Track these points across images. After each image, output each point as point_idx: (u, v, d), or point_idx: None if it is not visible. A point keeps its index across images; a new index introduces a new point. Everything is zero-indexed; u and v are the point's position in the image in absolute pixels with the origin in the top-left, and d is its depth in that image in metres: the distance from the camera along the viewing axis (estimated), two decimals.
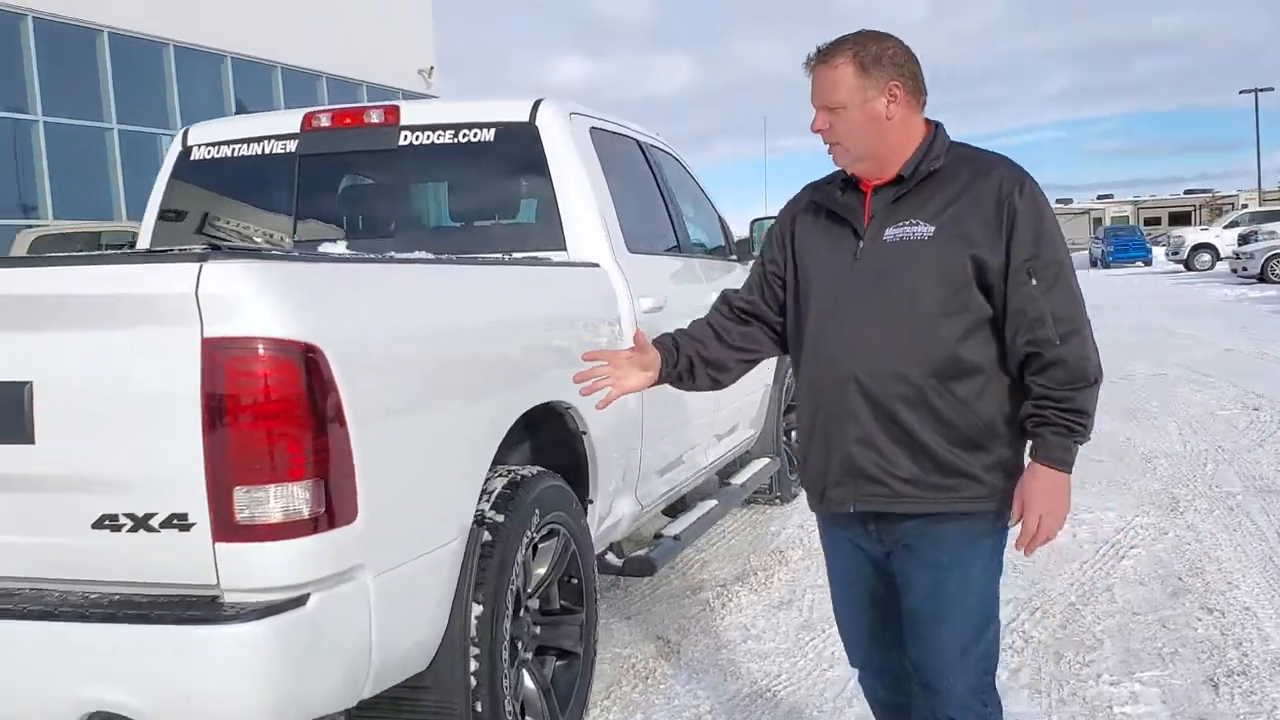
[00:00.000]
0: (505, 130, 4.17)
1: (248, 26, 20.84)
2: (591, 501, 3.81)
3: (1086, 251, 50.28)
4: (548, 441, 3.75)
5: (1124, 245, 45.98)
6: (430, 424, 2.70)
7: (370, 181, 4.38)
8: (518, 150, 4.15)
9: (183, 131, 4.56)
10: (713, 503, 5.06)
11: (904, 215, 2.39)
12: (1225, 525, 5.83)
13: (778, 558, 5.54)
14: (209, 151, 4.48)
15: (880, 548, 2.49)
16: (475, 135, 4.19)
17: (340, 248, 4.17)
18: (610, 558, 4.21)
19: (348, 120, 4.31)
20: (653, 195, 5.01)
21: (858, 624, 2.64)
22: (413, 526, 2.64)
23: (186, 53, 20.08)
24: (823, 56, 2.40)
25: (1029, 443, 2.39)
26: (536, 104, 4.18)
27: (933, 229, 2.36)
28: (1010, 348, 2.35)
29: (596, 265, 4.02)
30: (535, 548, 3.36)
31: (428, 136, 4.22)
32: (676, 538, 4.51)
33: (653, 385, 2.68)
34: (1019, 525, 2.38)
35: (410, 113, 4.28)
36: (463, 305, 2.97)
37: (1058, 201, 77.91)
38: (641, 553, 4.25)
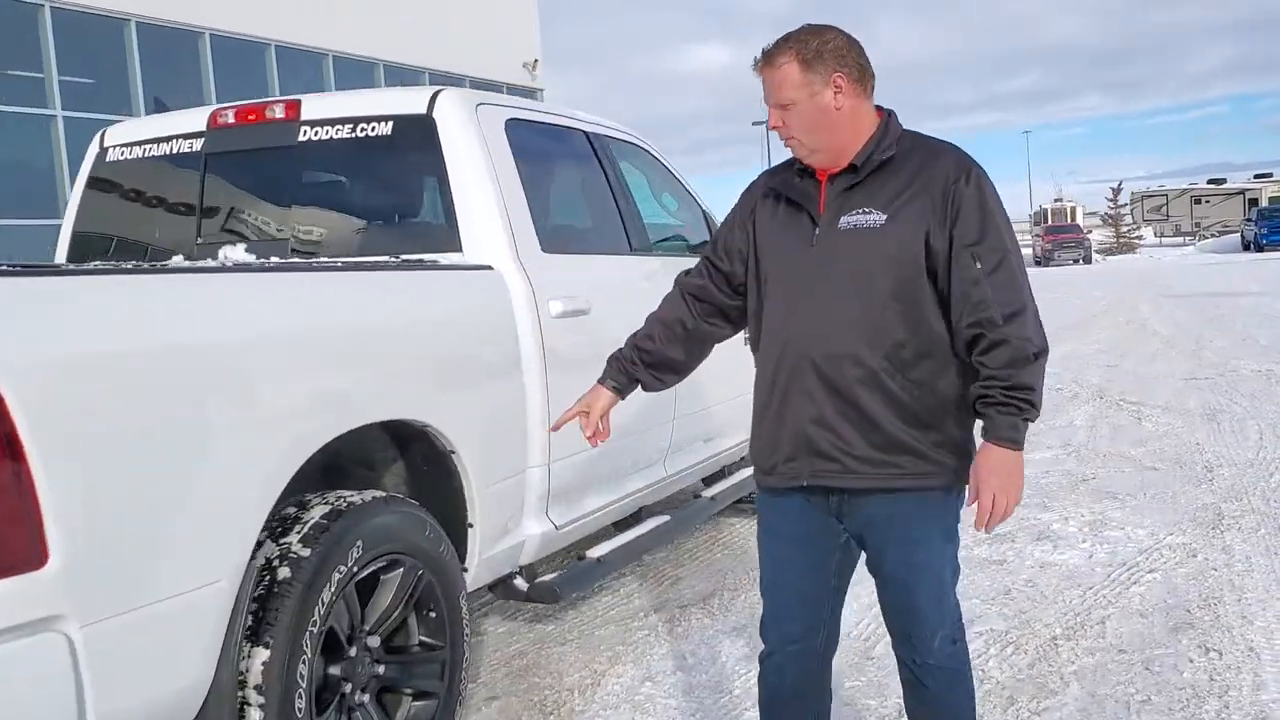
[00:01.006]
0: (402, 123, 3.90)
1: (348, 24, 21.09)
2: (471, 525, 3.51)
3: (1239, 234, 47.62)
4: (422, 463, 3.48)
5: (1278, 227, 43.45)
6: (173, 456, 2.43)
7: (273, 180, 4.16)
8: (415, 144, 3.87)
9: (100, 132, 4.42)
10: (664, 518, 4.70)
11: (857, 204, 2.49)
12: (1266, 548, 5.19)
13: (753, 577, 5.15)
14: (123, 153, 4.34)
15: (831, 514, 2.59)
16: (373, 129, 3.93)
17: (240, 252, 3.98)
18: (518, 582, 3.91)
19: (251, 116, 4.11)
20: (598, 191, 4.67)
21: (791, 588, 2.69)
22: (148, 568, 2.38)
23: (287, 52, 20.42)
24: (767, 58, 2.51)
25: (979, 423, 2.48)
26: (435, 95, 3.89)
27: (884, 217, 2.46)
28: (956, 329, 2.44)
29: (489, 268, 3.72)
30: (376, 580, 3.10)
31: (327, 131, 3.98)
32: (599, 560, 4.18)
33: (622, 400, 2.91)
34: (975, 505, 2.46)
35: (311, 106, 4.04)
36: (239, 319, 2.69)
37: (1209, 182, 74.01)
38: (548, 578, 3.93)
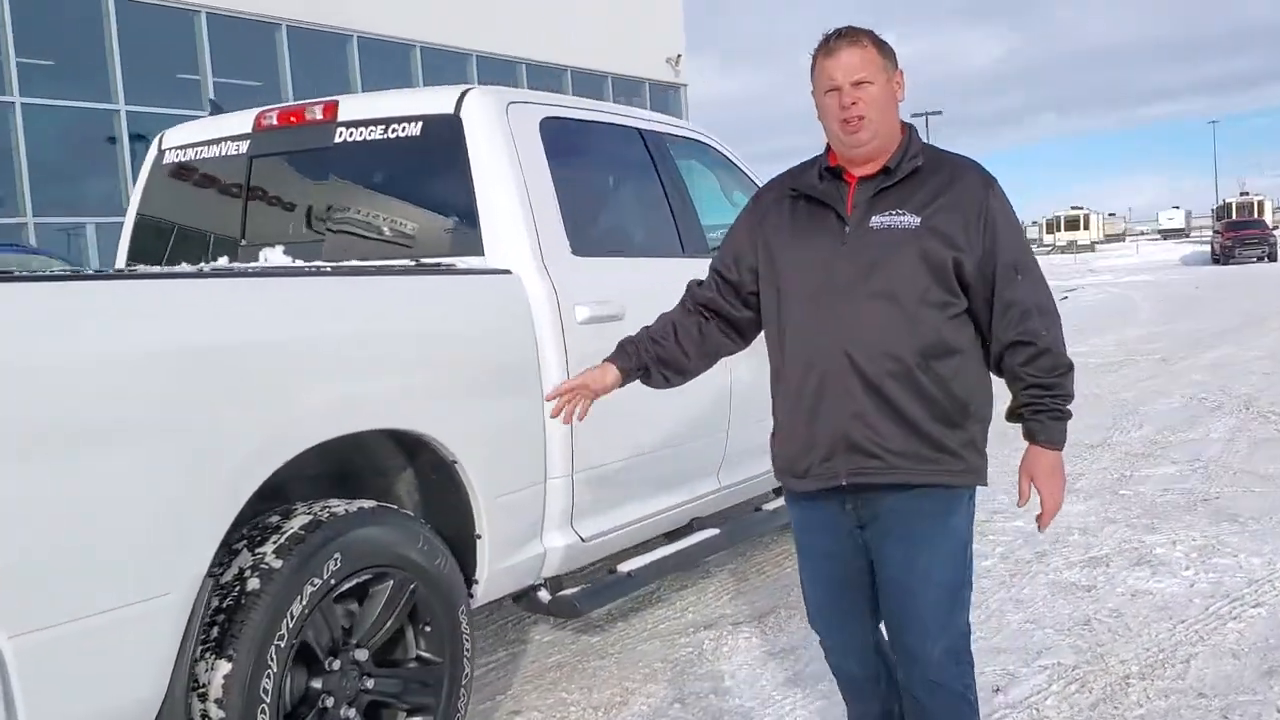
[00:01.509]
0: (430, 123, 3.82)
1: (490, 25, 21.41)
2: (479, 537, 3.41)
3: None
4: (430, 472, 3.39)
5: None
6: (113, 466, 2.38)
7: (311, 182, 4.14)
8: (442, 145, 3.79)
9: (159, 135, 4.49)
10: (711, 532, 4.51)
11: (889, 205, 2.54)
12: None
13: None
14: (178, 155, 4.40)
15: (855, 524, 2.62)
16: (404, 130, 3.87)
17: (279, 254, 3.98)
18: (542, 595, 3.79)
19: (292, 119, 4.10)
20: (650, 191, 4.52)
21: (830, 600, 2.75)
22: (87, 580, 2.35)
23: (432, 53, 20.86)
24: (850, 36, 2.55)
25: (1021, 427, 2.61)
26: (463, 94, 3.81)
27: (918, 220, 2.51)
28: (998, 338, 2.53)
29: (507, 272, 3.60)
30: (366, 592, 3.02)
31: (361, 133, 3.94)
32: (630, 575, 4.02)
33: (620, 386, 2.86)
34: (1027, 505, 2.64)
35: (348, 107, 4.01)
36: (200, 324, 2.64)
37: None
38: (569, 592, 3.80)
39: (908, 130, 2.64)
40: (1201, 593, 4.71)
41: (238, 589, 2.72)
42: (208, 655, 2.66)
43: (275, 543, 2.80)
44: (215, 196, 4.28)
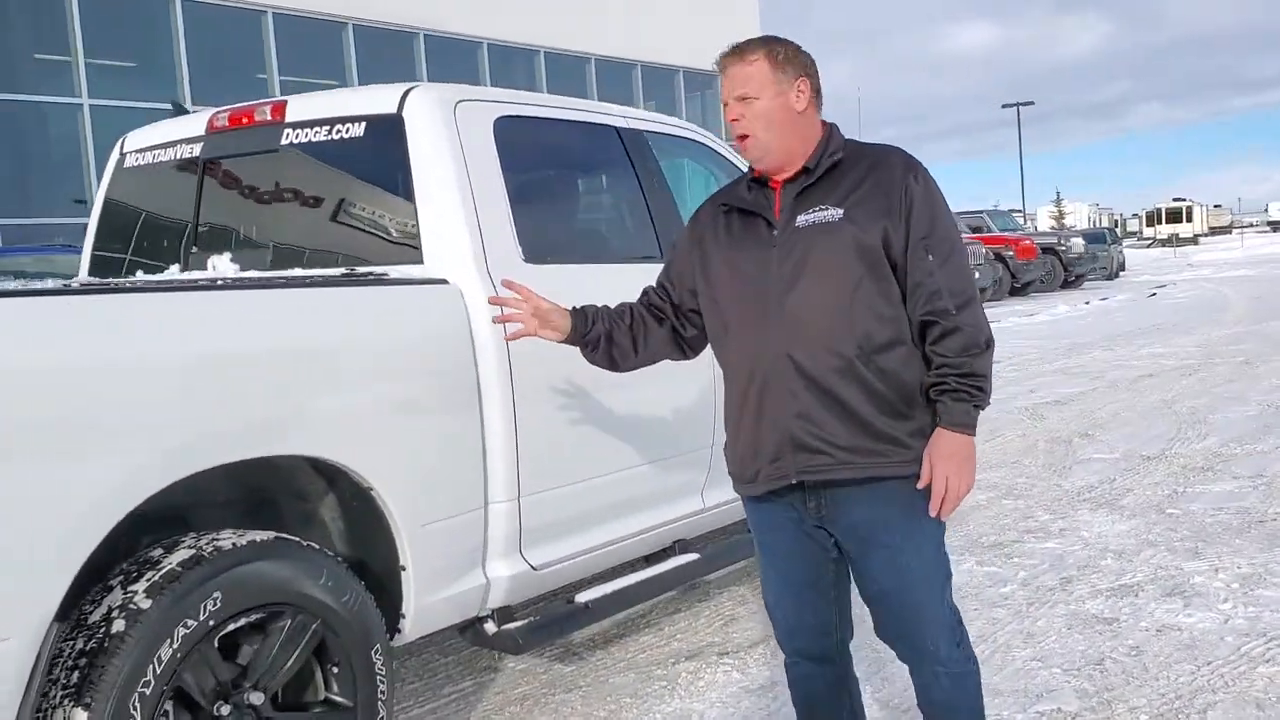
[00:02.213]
0: (373, 124, 3.60)
1: (558, 20, 21.26)
2: (404, 568, 3.18)
3: None
4: (351, 499, 3.17)
5: None
6: None
7: (259, 187, 3.95)
8: (385, 147, 3.56)
9: (121, 139, 4.35)
10: (689, 557, 4.22)
11: (813, 203, 2.56)
12: None
13: None
14: (137, 159, 4.24)
15: (815, 522, 2.63)
16: (348, 130, 3.65)
17: (225, 262, 3.80)
18: (488, 627, 3.54)
19: (244, 120, 3.91)
20: (626, 193, 4.25)
21: (795, 602, 2.75)
22: None
23: (499, 49, 20.78)
24: (738, 51, 2.59)
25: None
26: (406, 92, 3.57)
27: (841, 211, 2.53)
28: (911, 319, 2.53)
29: (443, 282, 3.36)
30: (262, 631, 2.81)
31: (307, 134, 3.73)
32: (587, 606, 3.75)
33: (560, 342, 2.90)
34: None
35: (296, 108, 3.80)
36: (55, 345, 2.43)
37: None
38: (513, 626, 3.55)
39: (827, 129, 2.65)
40: (1236, 629, 4.29)
41: (103, 631, 2.52)
42: (66, 703, 2.46)
43: (149, 580, 2.60)
44: (170, 202, 4.12)
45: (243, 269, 3.71)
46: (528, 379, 3.48)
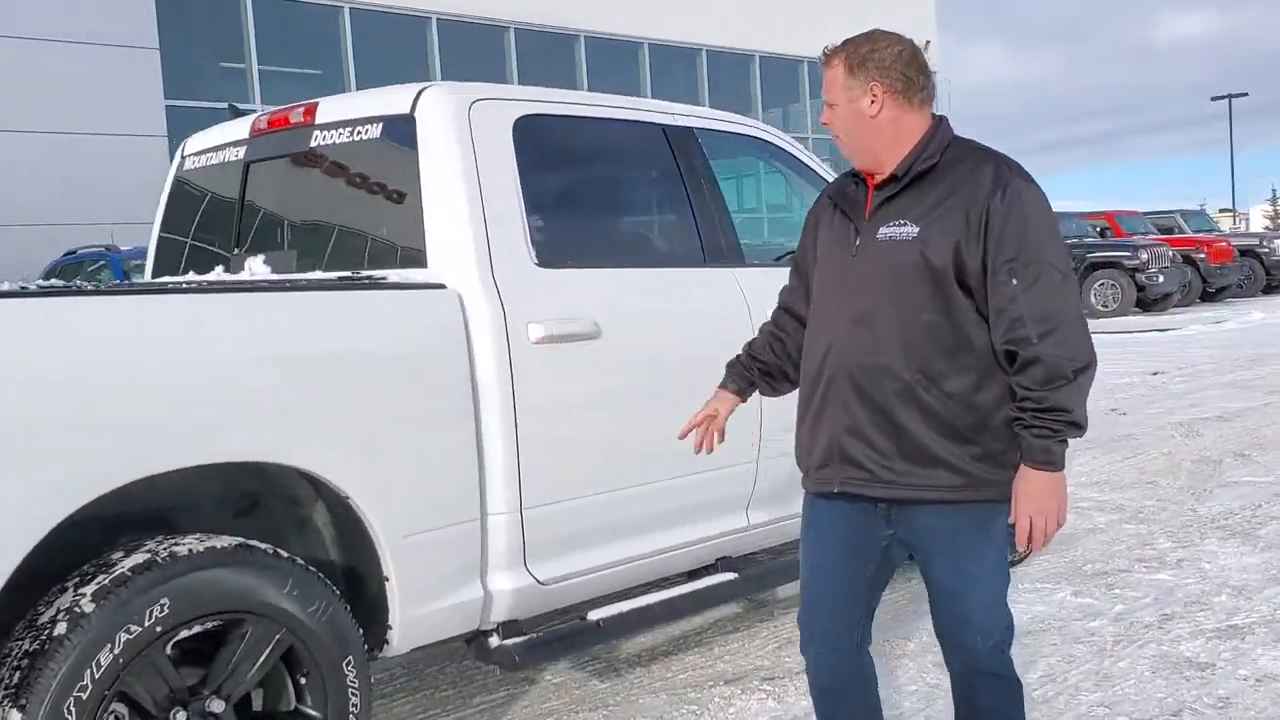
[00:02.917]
0: (389, 124, 3.55)
1: (720, 18, 21.07)
2: (388, 579, 3.10)
3: None
4: (336, 506, 3.12)
5: None
6: None
7: (291, 189, 3.95)
8: (398, 148, 3.51)
9: (183, 142, 4.44)
10: (726, 577, 4.01)
11: (895, 214, 2.50)
12: None
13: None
14: (194, 162, 4.32)
15: (884, 522, 2.60)
16: (366, 132, 3.61)
17: (260, 264, 3.82)
18: (491, 641, 3.44)
19: (283, 122, 3.92)
20: (668, 194, 4.07)
21: (828, 591, 2.71)
22: None
23: (660, 49, 20.75)
24: (825, 57, 2.58)
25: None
26: (420, 92, 3.50)
27: (917, 230, 2.46)
28: (996, 347, 2.44)
29: (440, 287, 3.27)
30: (226, 637, 2.78)
31: (332, 136, 3.71)
32: (599, 624, 3.59)
33: (743, 401, 2.95)
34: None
35: (325, 109, 3.79)
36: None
37: None
38: (512, 642, 3.42)
39: (929, 130, 2.53)
40: None
41: (47, 633, 2.52)
42: (5, 703, 2.48)
43: (98, 584, 2.59)
44: (219, 204, 4.17)
45: (275, 271, 3.73)
46: (534, 388, 3.36)
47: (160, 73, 14.39)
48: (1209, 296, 23.30)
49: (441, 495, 3.19)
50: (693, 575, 4.09)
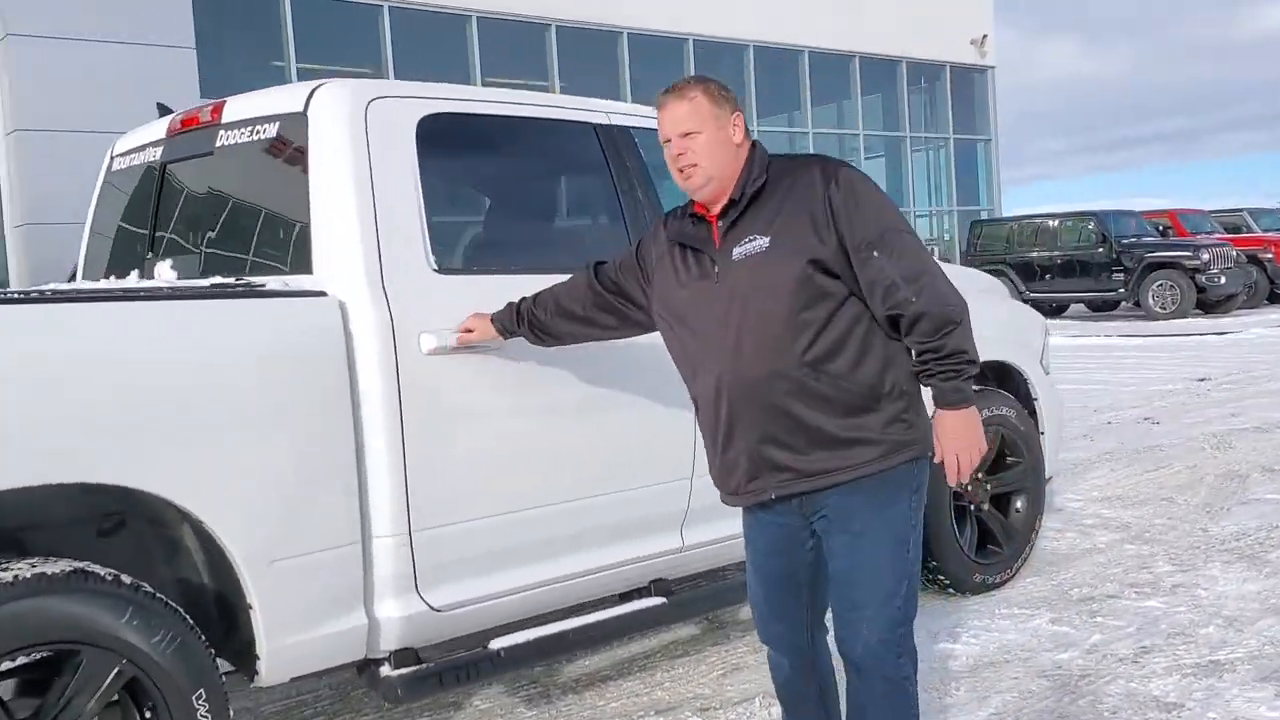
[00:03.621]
0: (284, 123, 3.37)
1: (767, 12, 20.74)
2: (250, 606, 2.93)
3: None
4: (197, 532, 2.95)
5: None
6: None
7: (197, 191, 3.79)
8: (293, 148, 3.34)
9: (114, 141, 4.31)
10: (652, 602, 3.78)
11: (744, 233, 2.66)
12: None
13: None
14: (120, 163, 4.19)
15: (802, 522, 2.75)
16: (264, 131, 3.45)
17: (167, 270, 3.68)
18: (383, 670, 3.25)
19: (194, 122, 3.77)
20: (593, 195, 3.85)
21: (772, 596, 2.87)
22: None
23: (705, 45, 20.47)
24: (678, 91, 2.70)
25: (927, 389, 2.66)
26: (314, 90, 3.33)
27: (768, 240, 2.63)
28: (878, 317, 2.61)
29: (321, 294, 3.09)
30: (56, 671, 2.62)
31: (234, 136, 3.55)
32: (500, 653, 3.38)
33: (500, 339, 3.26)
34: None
35: (231, 108, 3.63)
36: None
37: None
38: (400, 673, 3.22)
39: (750, 152, 2.71)
40: None
41: None
42: None
43: None
44: (138, 206, 4.04)
45: (181, 277, 3.59)
46: (425, 402, 3.17)
47: (197, 72, 14.43)
48: (1277, 298, 22.46)
49: (314, 517, 3.01)
50: (625, 598, 3.87)
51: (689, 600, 3.92)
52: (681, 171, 2.68)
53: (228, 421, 2.86)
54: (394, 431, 3.11)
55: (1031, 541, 5.22)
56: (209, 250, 3.64)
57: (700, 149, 2.65)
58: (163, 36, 14.36)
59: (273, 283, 3.18)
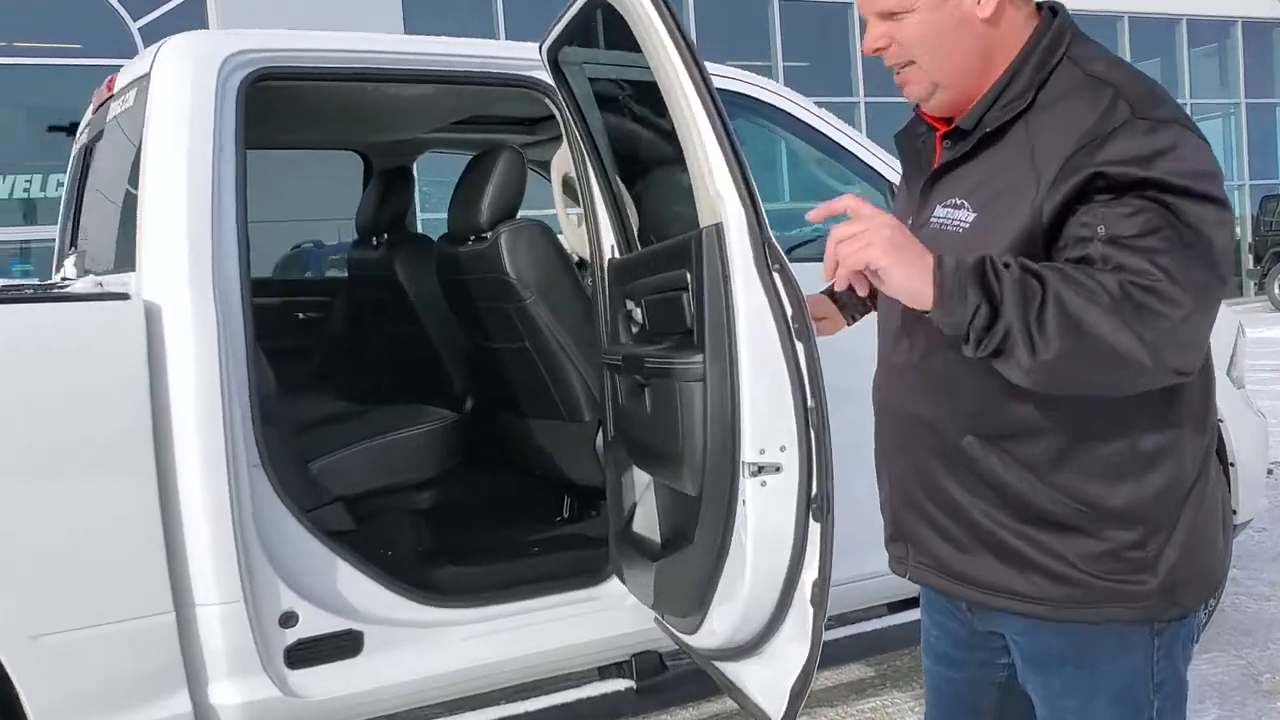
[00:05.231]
0: (139, 90, 2.78)
1: None
2: (15, 693, 2.34)
3: None
4: None
5: None
6: None
7: (96, 172, 3.28)
8: (139, 119, 2.74)
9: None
10: (618, 686, 2.96)
11: (949, 191, 1.63)
12: None
13: None
14: (79, 141, 3.75)
15: (982, 636, 1.77)
16: (126, 101, 2.89)
17: (71, 265, 3.22)
18: None
19: (105, 93, 3.26)
20: None
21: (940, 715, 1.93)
22: None
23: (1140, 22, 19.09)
24: None
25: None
26: (161, 46, 2.72)
27: (972, 217, 1.58)
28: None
29: (122, 297, 2.47)
30: None
31: (117, 107, 3.01)
32: None
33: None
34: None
35: (121, 75, 3.09)
36: None
37: None
38: None
39: (1034, 37, 1.59)
40: None
41: None
42: None
43: None
44: (69, 194, 3.61)
45: (78, 273, 3.11)
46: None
47: None
48: None
49: (106, 580, 2.39)
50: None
51: (659, 686, 3.05)
52: (897, 75, 1.69)
53: None
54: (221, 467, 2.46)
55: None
56: (88, 244, 3.13)
57: (911, 37, 1.62)
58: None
59: (81, 284, 2.60)
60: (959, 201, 1.60)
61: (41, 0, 12.04)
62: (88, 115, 3.52)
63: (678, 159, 2.45)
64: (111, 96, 3.09)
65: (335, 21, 13.58)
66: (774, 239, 2.29)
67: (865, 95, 17.69)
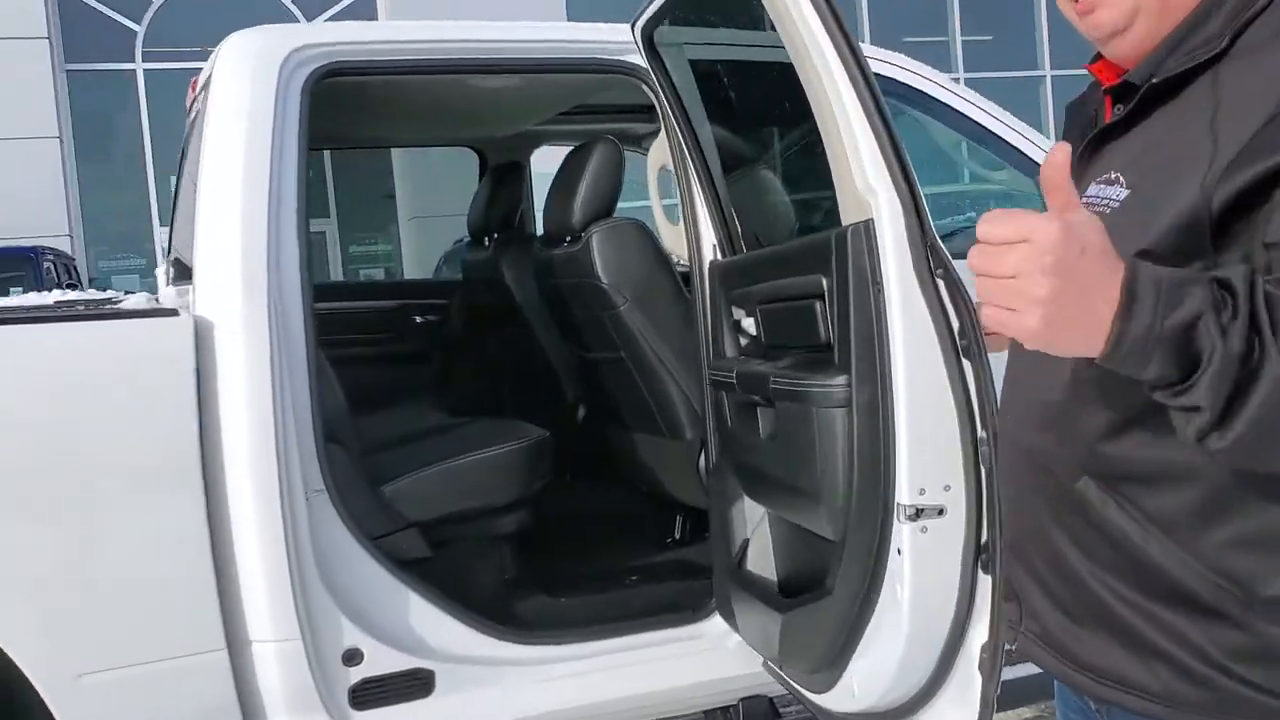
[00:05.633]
0: (207, 89, 2.64)
1: None
2: None
3: None
4: None
5: None
6: None
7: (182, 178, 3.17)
8: (202, 121, 2.60)
9: None
10: None
11: (1109, 163, 1.29)
12: None
13: None
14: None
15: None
16: (200, 102, 2.76)
17: (160, 271, 3.14)
18: None
19: (192, 98, 3.15)
20: None
21: None
22: None
23: None
24: None
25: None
26: (222, 45, 2.57)
27: (1124, 195, 1.24)
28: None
29: (172, 313, 2.31)
30: None
31: (198, 105, 2.89)
32: None
33: None
34: None
35: (201, 76, 2.97)
36: None
37: None
38: None
39: None
40: None
41: None
42: None
43: None
44: (174, 194, 3.54)
45: (168, 280, 3.02)
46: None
47: None
48: None
49: (144, 616, 2.25)
50: None
51: None
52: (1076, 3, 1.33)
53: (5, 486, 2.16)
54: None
55: None
56: (176, 253, 3.02)
57: None
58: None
59: (131, 301, 2.47)
60: (1113, 175, 1.25)
61: (219, 3, 12.38)
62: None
63: (802, 149, 2.11)
64: (195, 98, 2.97)
65: (499, 11, 13.58)
66: (939, 239, 1.93)
67: (1051, 69, 16.75)
